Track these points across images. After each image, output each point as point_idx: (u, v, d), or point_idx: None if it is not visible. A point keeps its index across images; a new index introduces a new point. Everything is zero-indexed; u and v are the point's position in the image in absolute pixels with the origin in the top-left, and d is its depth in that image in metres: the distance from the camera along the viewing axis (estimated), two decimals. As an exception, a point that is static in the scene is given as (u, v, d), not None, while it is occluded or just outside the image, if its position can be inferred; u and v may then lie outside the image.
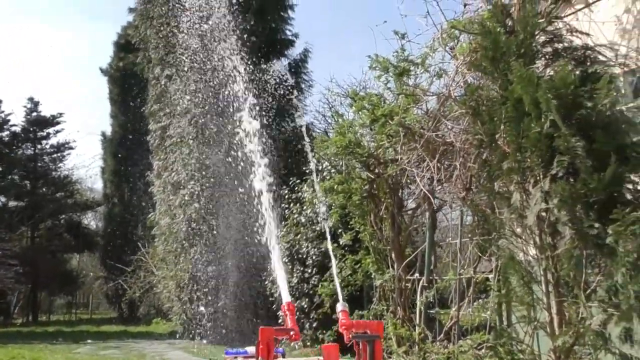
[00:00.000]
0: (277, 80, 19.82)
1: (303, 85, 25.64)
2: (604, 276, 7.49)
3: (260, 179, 7.61)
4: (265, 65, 19.41)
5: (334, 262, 10.47)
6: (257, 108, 9.25)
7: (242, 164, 19.40)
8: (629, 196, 7.55)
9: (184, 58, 21.80)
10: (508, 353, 8.58)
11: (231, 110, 20.37)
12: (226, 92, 20.48)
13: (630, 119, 7.96)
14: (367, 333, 5.63)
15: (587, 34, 8.72)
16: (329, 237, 11.92)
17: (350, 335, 5.60)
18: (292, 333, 5.98)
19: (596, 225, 7.25)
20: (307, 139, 13.83)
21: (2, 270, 30.61)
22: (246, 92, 8.84)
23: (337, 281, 8.56)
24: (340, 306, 6.37)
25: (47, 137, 43.46)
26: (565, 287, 8.18)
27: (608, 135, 7.31)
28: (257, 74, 17.60)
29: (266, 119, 18.20)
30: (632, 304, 6.97)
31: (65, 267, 43.90)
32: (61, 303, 50.98)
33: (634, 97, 9.14)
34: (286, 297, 6.72)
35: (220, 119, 20.93)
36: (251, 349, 6.37)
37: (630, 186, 7.62)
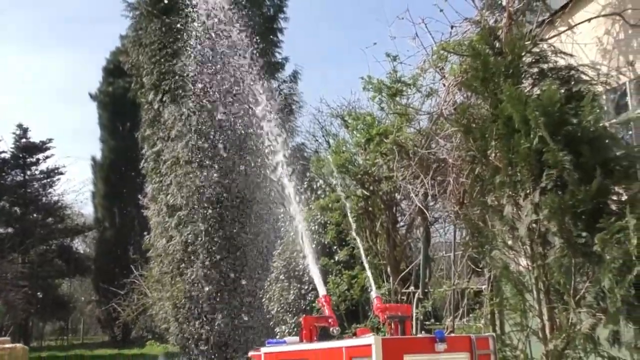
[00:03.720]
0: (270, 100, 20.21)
1: (294, 107, 26.08)
2: (592, 282, 7.92)
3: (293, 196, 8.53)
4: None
5: (362, 249, 11.02)
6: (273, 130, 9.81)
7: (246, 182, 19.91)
8: (614, 206, 8.01)
9: (183, 84, 22.29)
10: (503, 359, 8.98)
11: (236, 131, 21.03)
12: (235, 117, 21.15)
13: (613, 134, 8.47)
14: (399, 314, 6.33)
15: (571, 55, 9.24)
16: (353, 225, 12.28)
17: (385, 316, 6.32)
18: (330, 320, 6.90)
19: (584, 234, 7.70)
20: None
21: (12, 292, 30.64)
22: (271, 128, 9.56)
23: (369, 272, 9.35)
24: (374, 294, 7.46)
25: (37, 163, 43.51)
26: (555, 295, 8.60)
27: (593, 149, 7.78)
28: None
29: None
30: (618, 307, 7.40)
31: (57, 292, 43.80)
32: (52, 329, 50.65)
33: (616, 113, 9.63)
34: (322, 291, 7.68)
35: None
36: (290, 339, 7.06)
37: (615, 197, 8.09)
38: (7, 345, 3.48)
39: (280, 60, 26.90)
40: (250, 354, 7.47)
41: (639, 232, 7.03)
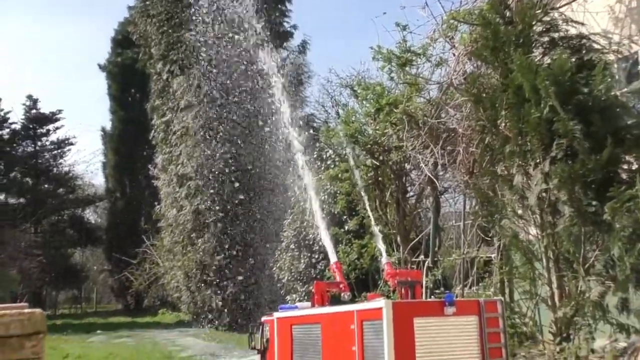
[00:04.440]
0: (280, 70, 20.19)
1: (302, 77, 25.97)
2: (602, 251, 8.00)
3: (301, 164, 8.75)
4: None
5: (371, 215, 11.14)
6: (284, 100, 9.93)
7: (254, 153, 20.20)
8: (624, 175, 8.06)
9: (192, 53, 22.33)
10: (512, 327, 9.10)
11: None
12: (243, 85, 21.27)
13: (624, 103, 8.46)
14: (408, 280, 6.40)
15: (582, 23, 9.18)
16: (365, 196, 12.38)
17: (396, 282, 6.42)
18: (341, 286, 7.13)
19: (594, 203, 7.76)
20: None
21: (27, 261, 31.04)
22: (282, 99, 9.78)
23: (378, 237, 9.55)
24: (384, 259, 7.68)
25: (47, 133, 43.58)
26: (565, 263, 8.69)
27: (604, 118, 7.79)
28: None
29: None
30: (627, 275, 7.48)
31: (70, 261, 44.23)
32: (65, 297, 51.30)
33: (627, 82, 9.58)
34: (333, 258, 7.96)
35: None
36: (302, 304, 7.23)
37: (625, 166, 8.12)
38: (26, 310, 3.59)
39: (288, 30, 26.76)
40: (263, 319, 7.61)
41: (649, 200, 7.08)
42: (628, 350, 7.69)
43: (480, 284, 11.59)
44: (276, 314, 7.15)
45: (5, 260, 29.30)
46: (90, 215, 50.14)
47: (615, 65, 9.37)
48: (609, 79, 7.98)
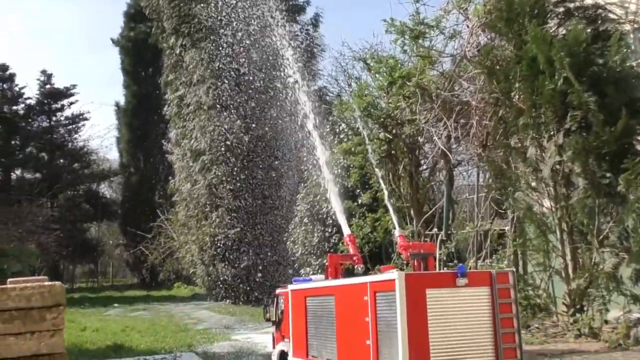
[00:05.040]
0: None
1: (315, 50, 25.81)
2: (616, 223, 8.00)
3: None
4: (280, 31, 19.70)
5: (384, 187, 11.18)
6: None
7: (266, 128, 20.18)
8: (639, 147, 8.03)
9: (203, 27, 22.26)
10: (525, 298, 9.16)
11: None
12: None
13: (640, 74, 8.39)
14: (421, 252, 6.51)
15: (598, -7, 9.08)
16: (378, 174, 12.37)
17: (409, 254, 6.51)
18: (354, 258, 7.34)
19: (608, 175, 7.75)
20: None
21: (44, 235, 31.34)
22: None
23: (391, 210, 9.66)
24: (397, 232, 7.78)
25: (62, 109, 43.69)
26: (579, 235, 8.71)
27: (619, 90, 7.74)
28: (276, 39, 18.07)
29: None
30: (642, 247, 7.49)
31: (85, 236, 44.63)
32: (82, 272, 51.84)
33: (643, 53, 9.49)
34: (346, 230, 8.15)
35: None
36: (315, 277, 7.34)
37: (640, 137, 8.09)
38: (46, 283, 3.67)
39: (301, 3, 26.53)
40: (278, 291, 7.71)
41: (663, 172, 7.06)
42: (641, 322, 7.73)
43: (493, 257, 11.62)
44: (290, 287, 7.24)
45: (23, 235, 29.59)
46: (105, 189, 50.47)
47: (632, 36, 9.28)
48: (625, 50, 7.93)
